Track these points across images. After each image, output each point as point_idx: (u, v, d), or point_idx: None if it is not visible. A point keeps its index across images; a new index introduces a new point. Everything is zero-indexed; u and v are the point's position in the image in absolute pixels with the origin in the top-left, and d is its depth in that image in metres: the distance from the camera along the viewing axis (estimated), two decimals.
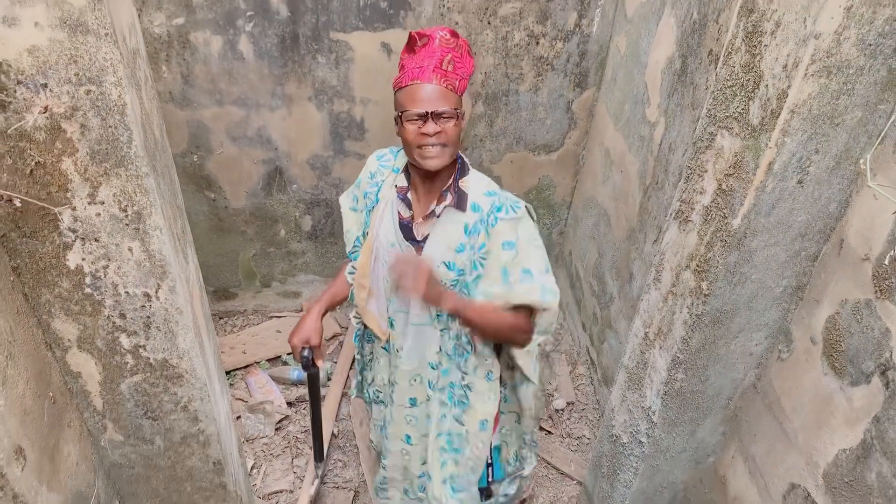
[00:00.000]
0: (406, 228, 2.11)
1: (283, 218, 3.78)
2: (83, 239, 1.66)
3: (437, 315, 2.17)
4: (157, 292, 1.80)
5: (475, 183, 2.07)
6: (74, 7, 1.37)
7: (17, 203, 1.55)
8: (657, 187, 2.87)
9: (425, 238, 2.09)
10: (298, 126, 3.42)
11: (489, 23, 3.19)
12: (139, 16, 2.85)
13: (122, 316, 1.82)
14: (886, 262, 1.69)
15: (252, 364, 3.85)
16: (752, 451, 2.34)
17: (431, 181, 2.05)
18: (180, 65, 3.12)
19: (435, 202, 2.05)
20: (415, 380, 2.31)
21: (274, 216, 3.76)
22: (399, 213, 2.11)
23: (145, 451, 2.18)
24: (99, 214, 1.63)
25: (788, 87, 1.62)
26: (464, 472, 2.39)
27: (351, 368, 3.79)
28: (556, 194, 3.98)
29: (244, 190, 3.62)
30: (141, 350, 1.91)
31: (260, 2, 3.00)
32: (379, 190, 2.17)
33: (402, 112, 1.91)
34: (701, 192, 2.01)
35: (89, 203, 1.61)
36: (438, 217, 2.05)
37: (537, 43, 3.30)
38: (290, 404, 3.64)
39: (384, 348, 2.39)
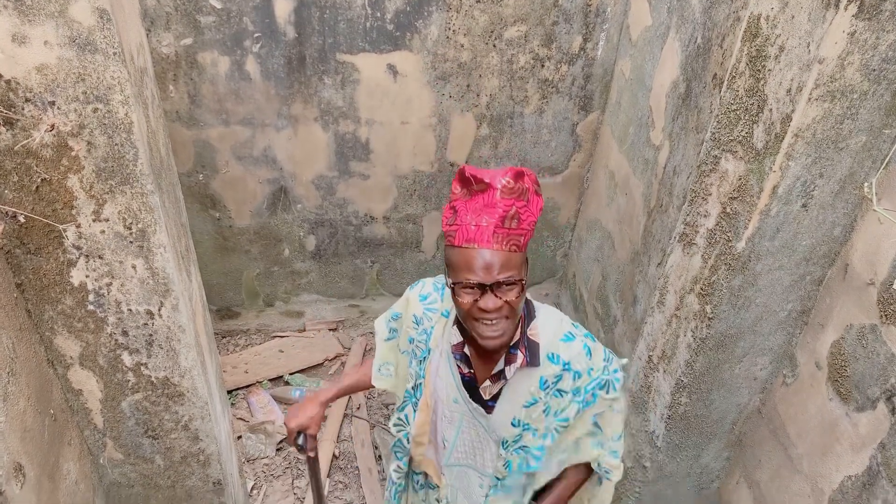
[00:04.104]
0: (470, 387, 1.79)
1: (288, 237, 3.79)
2: (87, 256, 1.66)
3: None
4: (159, 310, 1.80)
5: (545, 326, 1.74)
6: (83, 26, 1.38)
7: (22, 219, 1.56)
8: (661, 210, 2.87)
9: (494, 396, 1.78)
10: (304, 146, 3.43)
11: (495, 45, 3.21)
12: (147, 36, 2.88)
13: (125, 333, 1.82)
14: (893, 286, 1.68)
15: (254, 384, 3.83)
16: (757, 476, 2.31)
17: None
18: (187, 84, 3.14)
19: (503, 361, 1.72)
20: None
21: (278, 236, 3.77)
22: (459, 366, 1.79)
23: (145, 470, 2.17)
24: (103, 232, 1.63)
25: (792, 111, 1.62)
26: None
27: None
28: (561, 216, 3.98)
29: (249, 209, 3.63)
30: (142, 368, 1.90)
31: (267, 23, 3.03)
32: (429, 338, 1.84)
33: (454, 282, 1.57)
34: (705, 216, 2.01)
35: (94, 220, 1.61)
36: (509, 380, 1.74)
37: (542, 66, 3.32)
38: None
39: (429, 486, 2.10)
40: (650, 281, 3.00)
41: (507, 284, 1.54)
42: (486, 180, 1.53)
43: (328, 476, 3.39)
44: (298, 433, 2.01)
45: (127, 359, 1.88)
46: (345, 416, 3.69)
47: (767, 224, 1.80)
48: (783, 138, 1.66)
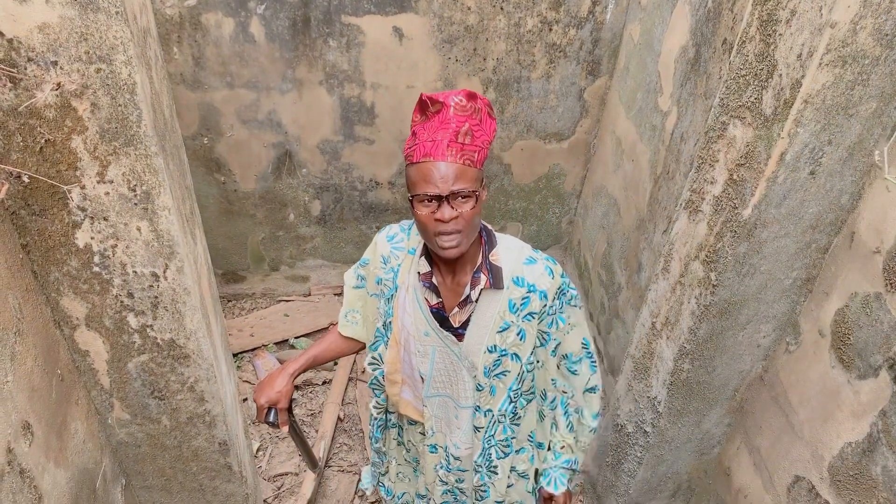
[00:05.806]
0: (439, 316, 1.88)
1: (293, 202, 3.78)
2: (92, 218, 1.67)
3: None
4: (164, 272, 1.81)
5: (507, 253, 1.84)
6: None
7: (26, 180, 1.56)
8: (668, 177, 2.85)
9: (464, 324, 1.87)
10: (309, 110, 3.41)
11: (502, 8, 3.17)
12: None
13: (130, 295, 1.83)
14: None
15: (259, 347, 3.86)
16: (757, 442, 2.33)
17: (458, 263, 1.82)
18: (191, 46, 3.12)
19: (468, 286, 1.82)
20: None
21: (283, 200, 3.77)
22: (426, 299, 1.88)
23: (152, 430, 2.20)
24: (108, 193, 1.63)
25: (802, 76, 1.60)
26: None
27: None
28: (566, 183, 3.96)
29: (254, 173, 3.62)
30: (148, 330, 1.92)
31: None
32: (396, 275, 1.91)
33: (413, 195, 1.67)
34: (712, 182, 2.00)
35: (98, 182, 1.61)
36: (476, 302, 1.83)
37: (550, 29, 3.28)
38: (297, 387, 3.65)
39: (411, 421, 2.17)
40: (655, 248, 2.99)
41: (462, 196, 1.63)
42: (441, 100, 1.64)
43: (333, 439, 3.43)
44: (269, 409, 1.98)
45: (133, 320, 1.89)
46: (350, 379, 3.73)
47: (774, 191, 1.79)
48: (792, 104, 1.64)
